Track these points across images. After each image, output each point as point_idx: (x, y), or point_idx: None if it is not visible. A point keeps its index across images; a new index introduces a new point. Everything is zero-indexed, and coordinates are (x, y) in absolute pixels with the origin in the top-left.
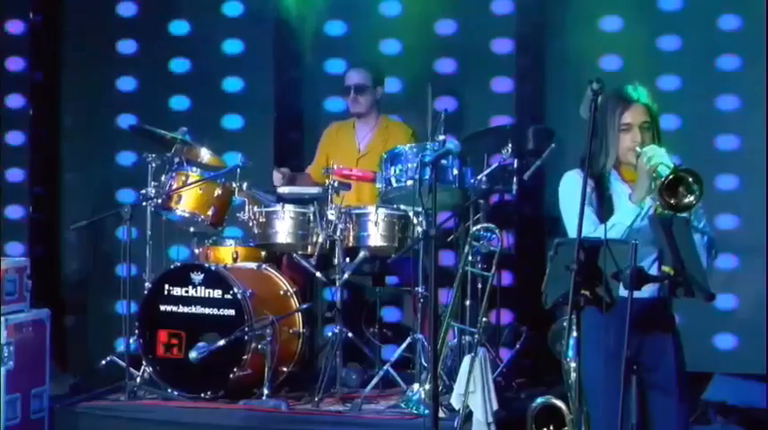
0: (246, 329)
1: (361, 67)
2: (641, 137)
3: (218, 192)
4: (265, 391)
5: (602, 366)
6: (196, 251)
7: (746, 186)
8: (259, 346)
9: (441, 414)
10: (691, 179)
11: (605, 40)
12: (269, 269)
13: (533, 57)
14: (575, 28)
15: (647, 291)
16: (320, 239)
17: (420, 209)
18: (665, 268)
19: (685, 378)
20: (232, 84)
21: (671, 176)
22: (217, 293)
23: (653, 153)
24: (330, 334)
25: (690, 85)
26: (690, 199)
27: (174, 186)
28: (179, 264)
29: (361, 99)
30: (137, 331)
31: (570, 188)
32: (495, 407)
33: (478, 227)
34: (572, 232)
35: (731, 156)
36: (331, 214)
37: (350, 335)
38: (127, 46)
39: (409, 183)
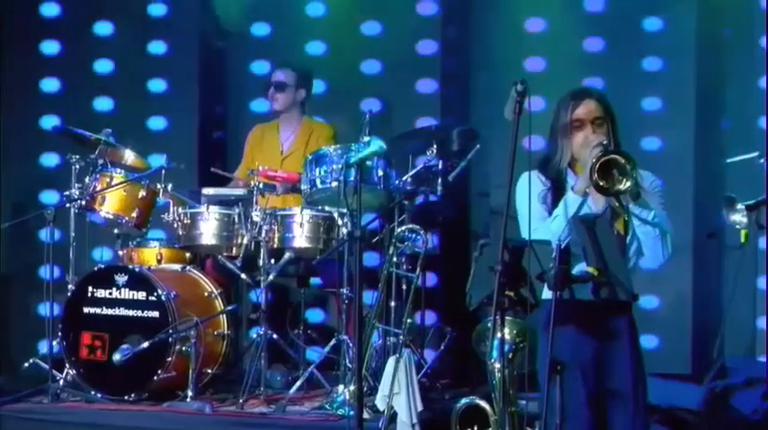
0: (170, 331)
1: (289, 67)
2: (593, 133)
3: (142, 193)
4: (189, 393)
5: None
6: (120, 253)
7: (671, 187)
8: (183, 348)
9: (365, 415)
10: (624, 161)
11: (530, 42)
12: (193, 271)
13: (458, 58)
14: (500, 30)
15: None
16: (245, 241)
17: (345, 210)
18: (589, 269)
19: (643, 385)
20: (156, 85)
21: (603, 157)
22: (141, 295)
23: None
24: (255, 335)
25: (614, 87)
26: (625, 184)
27: (98, 188)
28: (103, 266)
29: (278, 96)
30: (60, 333)
31: (525, 188)
32: (420, 407)
33: (403, 228)
34: (525, 230)
35: (655, 156)
36: (256, 215)
37: (274, 336)
38: (50, 47)
39: (334, 184)
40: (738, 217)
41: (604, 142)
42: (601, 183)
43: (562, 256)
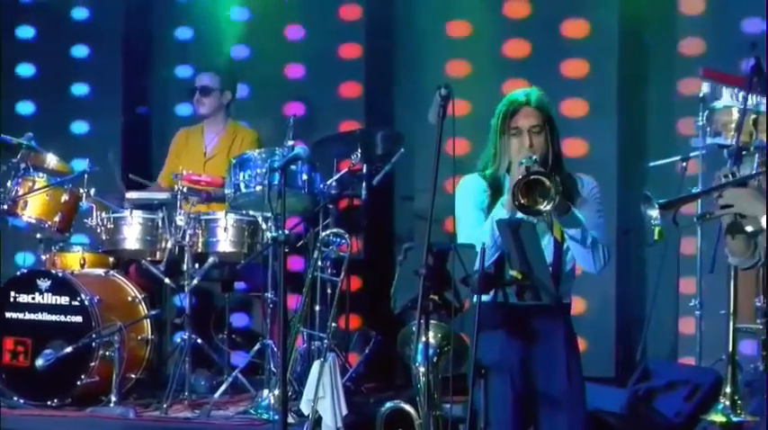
0: (94, 336)
1: (213, 70)
2: (530, 141)
3: (64, 197)
4: (113, 399)
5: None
6: (43, 257)
7: None
8: (107, 353)
9: (290, 419)
10: (548, 184)
11: (453, 46)
12: (117, 275)
13: (382, 62)
14: (422, 33)
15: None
16: (169, 245)
17: (269, 214)
18: (513, 272)
19: (579, 389)
20: (79, 89)
21: (525, 179)
22: (64, 300)
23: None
24: (179, 340)
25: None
26: (545, 206)
27: (21, 192)
28: (25, 271)
29: (205, 101)
30: None
31: (462, 192)
32: (345, 411)
33: (328, 232)
34: (461, 234)
35: (579, 160)
36: (180, 220)
37: (199, 341)
38: None
39: (258, 188)
40: (655, 212)
41: (533, 157)
42: (522, 201)
43: (499, 260)
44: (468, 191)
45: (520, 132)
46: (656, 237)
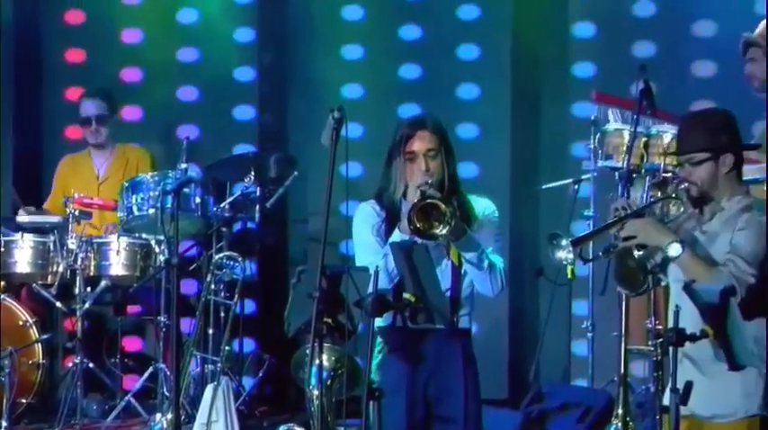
0: None
1: (97, 96)
2: (426, 165)
3: None
4: (3, 424)
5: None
6: None
7: None
8: None
9: None
10: (443, 208)
11: (348, 69)
12: (7, 299)
13: (275, 85)
14: (317, 57)
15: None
16: (60, 269)
17: (162, 237)
18: (407, 295)
19: (475, 415)
20: None
21: (420, 203)
22: None
23: None
24: (70, 364)
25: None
26: (441, 230)
27: None
28: None
29: (102, 130)
30: None
31: (358, 219)
32: None
33: (221, 255)
34: (359, 261)
35: (472, 183)
36: (72, 243)
37: (91, 365)
38: None
39: (151, 211)
40: (564, 253)
41: (429, 181)
42: (418, 226)
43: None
44: (364, 218)
45: (415, 157)
46: (569, 276)
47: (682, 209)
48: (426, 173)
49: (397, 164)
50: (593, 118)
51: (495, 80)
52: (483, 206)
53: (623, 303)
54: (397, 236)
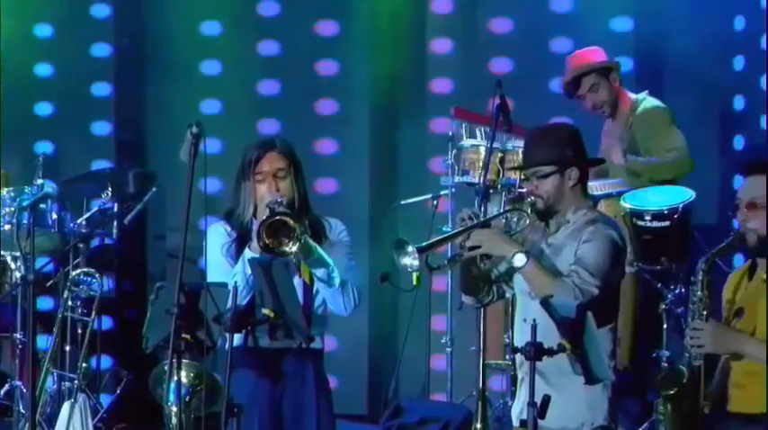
0: None
1: None
2: (276, 185)
3: None
4: None
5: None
6: None
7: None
8: None
9: None
10: (292, 225)
11: (206, 84)
12: None
13: (133, 100)
14: (175, 70)
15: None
16: None
17: (18, 253)
18: (266, 310)
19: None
20: None
21: (269, 220)
22: None
23: None
24: None
25: (289, 129)
26: (291, 247)
27: None
28: None
29: None
30: None
31: (209, 239)
32: None
33: (78, 271)
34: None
35: (330, 199)
36: None
37: None
38: None
39: (7, 227)
40: (409, 260)
41: (279, 200)
42: (267, 242)
43: (252, 300)
44: (214, 239)
45: (265, 177)
46: (414, 283)
47: (527, 221)
48: (276, 192)
49: (246, 185)
50: (450, 133)
51: (354, 96)
52: (334, 226)
53: (481, 318)
54: (248, 254)
